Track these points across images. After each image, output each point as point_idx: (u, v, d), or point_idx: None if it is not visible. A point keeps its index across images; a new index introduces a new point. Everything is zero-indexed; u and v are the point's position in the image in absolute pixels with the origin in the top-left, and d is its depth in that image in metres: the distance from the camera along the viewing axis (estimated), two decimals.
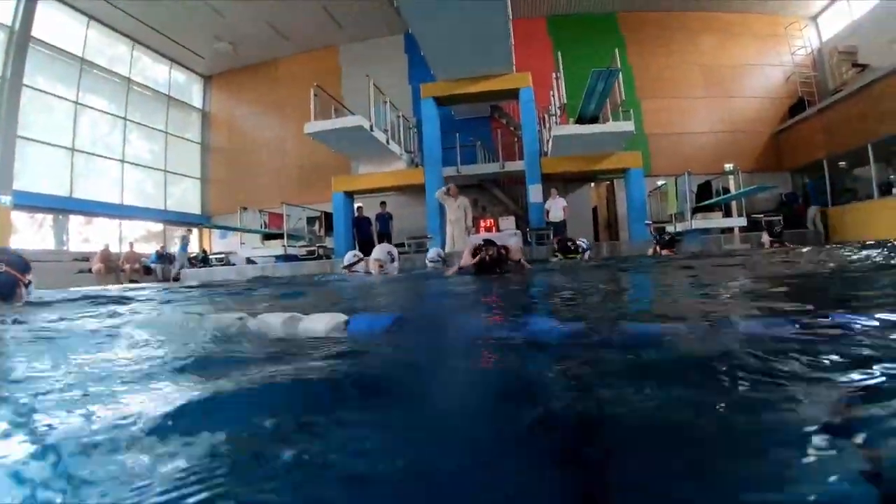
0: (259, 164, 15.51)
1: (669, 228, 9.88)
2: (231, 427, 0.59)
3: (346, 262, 4.90)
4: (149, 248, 13.63)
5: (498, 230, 10.16)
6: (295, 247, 10.64)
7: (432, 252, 5.49)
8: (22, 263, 2.51)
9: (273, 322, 1.36)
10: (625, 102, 9.79)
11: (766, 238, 6.20)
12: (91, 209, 12.86)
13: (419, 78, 12.08)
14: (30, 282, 2.54)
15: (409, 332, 1.36)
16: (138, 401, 0.73)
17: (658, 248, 6.44)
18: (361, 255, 5.01)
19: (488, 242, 3.73)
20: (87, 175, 12.86)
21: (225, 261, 11.73)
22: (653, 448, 0.53)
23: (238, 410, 0.67)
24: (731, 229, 9.95)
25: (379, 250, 4.57)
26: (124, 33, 13.68)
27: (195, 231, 14.82)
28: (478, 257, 3.62)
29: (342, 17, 13.62)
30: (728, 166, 11.74)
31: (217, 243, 15.24)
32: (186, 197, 16.03)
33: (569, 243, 5.72)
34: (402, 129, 11.64)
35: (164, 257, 12.67)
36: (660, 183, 11.61)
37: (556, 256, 5.73)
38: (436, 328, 1.34)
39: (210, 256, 12.57)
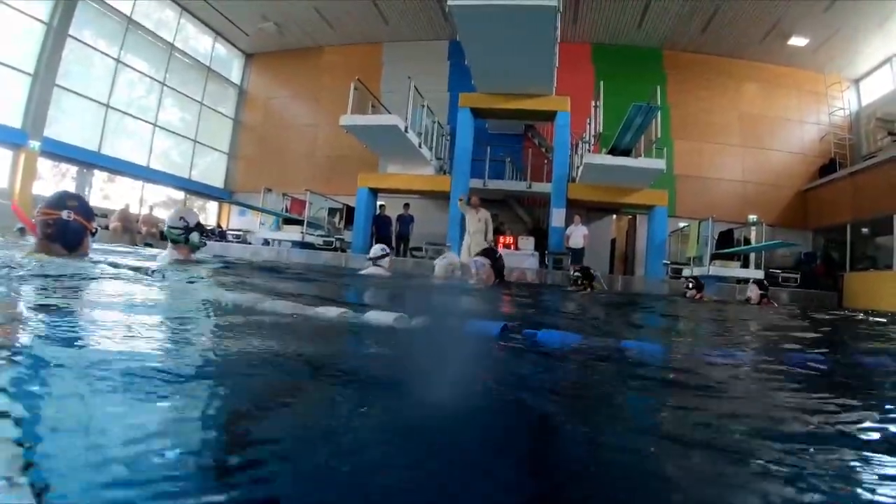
0: (288, 148, 15.58)
1: (686, 272, 9.85)
2: None
3: (372, 255, 4.83)
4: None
5: (517, 249, 10.16)
6: (313, 235, 10.66)
7: (376, 249, 4.85)
8: (89, 210, 2.28)
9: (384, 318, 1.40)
10: (659, 140, 9.79)
11: (754, 293, 6.04)
12: (116, 167, 12.96)
13: (458, 87, 12.11)
14: (96, 230, 2.32)
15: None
16: None
17: (697, 293, 6.43)
18: (388, 251, 5.00)
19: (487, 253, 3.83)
20: (117, 133, 12.95)
21: (242, 238, 11.78)
22: None
23: None
24: (746, 280, 9.90)
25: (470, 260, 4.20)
26: None
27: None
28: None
29: (390, 15, 13.69)
30: (752, 217, 11.73)
31: (234, 220, 15.32)
32: (211, 169, 16.11)
33: (578, 273, 5.76)
34: (435, 134, 11.65)
35: None
36: (682, 224, 11.58)
37: (582, 286, 5.68)
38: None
39: (227, 232, 12.62)
